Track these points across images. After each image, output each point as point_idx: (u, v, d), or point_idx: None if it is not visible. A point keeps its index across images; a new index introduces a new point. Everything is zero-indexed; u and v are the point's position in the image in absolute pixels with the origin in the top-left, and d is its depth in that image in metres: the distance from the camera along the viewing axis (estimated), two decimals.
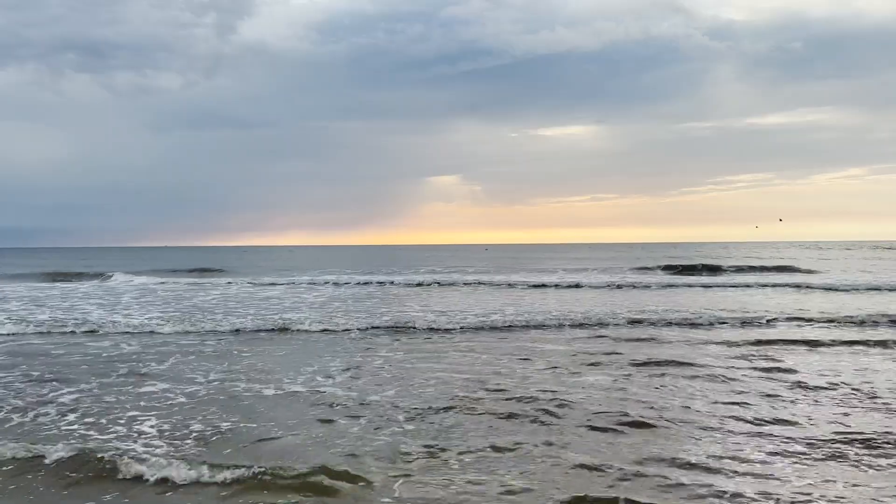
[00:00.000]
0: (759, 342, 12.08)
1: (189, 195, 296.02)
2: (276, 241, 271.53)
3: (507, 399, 7.86)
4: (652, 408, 7.34)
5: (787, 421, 6.85)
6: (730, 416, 6.98)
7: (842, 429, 6.55)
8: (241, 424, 6.93)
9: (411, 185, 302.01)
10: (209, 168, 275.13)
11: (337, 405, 7.68)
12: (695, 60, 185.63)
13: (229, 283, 30.59)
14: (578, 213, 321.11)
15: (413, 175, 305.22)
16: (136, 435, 6.58)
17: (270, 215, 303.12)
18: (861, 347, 11.61)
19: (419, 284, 28.87)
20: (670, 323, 14.99)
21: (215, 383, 8.94)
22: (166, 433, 6.63)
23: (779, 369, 9.54)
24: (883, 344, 11.90)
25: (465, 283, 28.96)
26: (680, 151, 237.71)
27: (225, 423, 6.98)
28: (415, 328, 14.49)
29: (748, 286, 26.30)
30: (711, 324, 14.84)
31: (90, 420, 7.14)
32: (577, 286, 27.08)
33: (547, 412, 7.20)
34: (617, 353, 11.02)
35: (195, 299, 22.08)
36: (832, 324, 14.75)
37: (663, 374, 9.16)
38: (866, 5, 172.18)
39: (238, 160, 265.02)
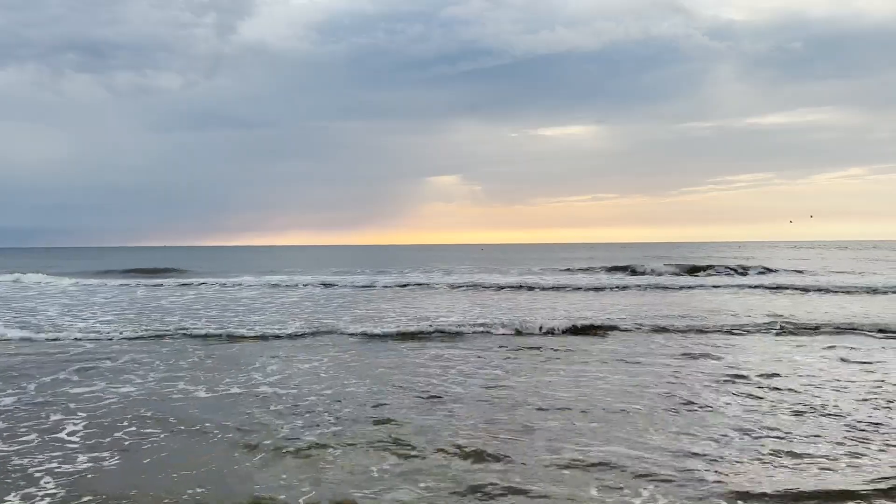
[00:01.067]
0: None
1: (189, 195, 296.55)
2: (277, 241, 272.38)
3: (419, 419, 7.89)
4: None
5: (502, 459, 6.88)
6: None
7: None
8: (163, 434, 6.96)
9: (411, 185, 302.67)
10: (209, 168, 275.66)
11: (251, 425, 7.71)
12: (694, 60, 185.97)
13: (180, 284, 30.33)
14: (578, 213, 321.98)
15: (413, 175, 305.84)
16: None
17: (270, 215, 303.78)
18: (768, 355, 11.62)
19: (368, 286, 28.82)
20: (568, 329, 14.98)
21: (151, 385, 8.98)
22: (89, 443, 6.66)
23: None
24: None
25: (435, 285, 29.00)
26: (680, 151, 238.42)
27: (149, 430, 7.05)
28: (343, 332, 14.45)
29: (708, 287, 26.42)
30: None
31: None
32: (557, 288, 27.11)
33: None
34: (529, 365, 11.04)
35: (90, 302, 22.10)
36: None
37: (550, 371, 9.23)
38: (866, 5, 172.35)
39: (238, 160, 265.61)
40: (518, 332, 14.32)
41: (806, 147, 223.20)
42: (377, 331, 14.49)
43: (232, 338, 14.04)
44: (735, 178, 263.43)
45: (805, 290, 24.94)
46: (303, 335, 14.27)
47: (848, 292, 23.87)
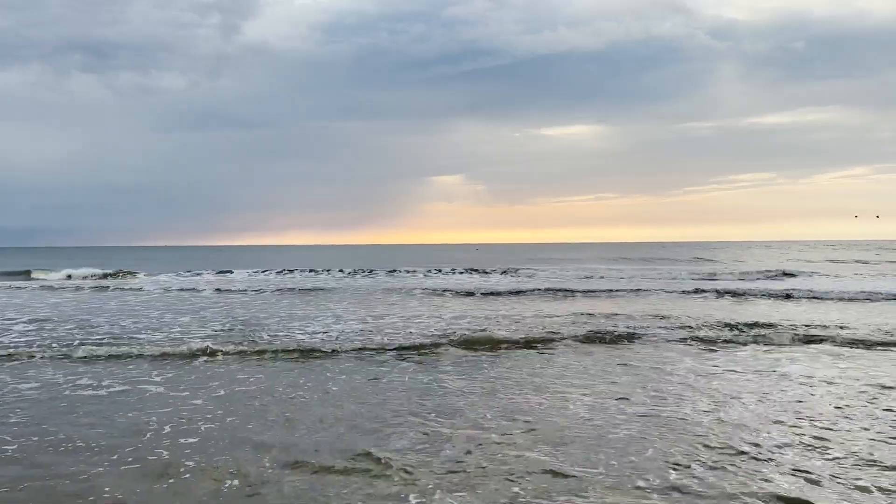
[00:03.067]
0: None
1: (189, 195, 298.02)
2: (277, 241, 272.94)
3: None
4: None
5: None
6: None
7: None
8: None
9: (412, 185, 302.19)
10: (209, 168, 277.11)
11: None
12: (695, 60, 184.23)
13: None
14: (580, 212, 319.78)
15: (413, 175, 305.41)
16: None
17: (270, 215, 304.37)
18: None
19: (286, 289, 28.62)
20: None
21: None
22: None
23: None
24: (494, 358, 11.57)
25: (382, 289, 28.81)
26: (681, 151, 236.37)
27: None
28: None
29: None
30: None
31: None
32: (521, 293, 26.74)
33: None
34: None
35: None
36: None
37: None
38: (867, 5, 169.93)
39: (238, 160, 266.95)
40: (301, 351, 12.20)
41: (807, 147, 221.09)
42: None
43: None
44: (737, 178, 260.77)
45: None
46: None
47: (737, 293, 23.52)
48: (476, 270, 39.93)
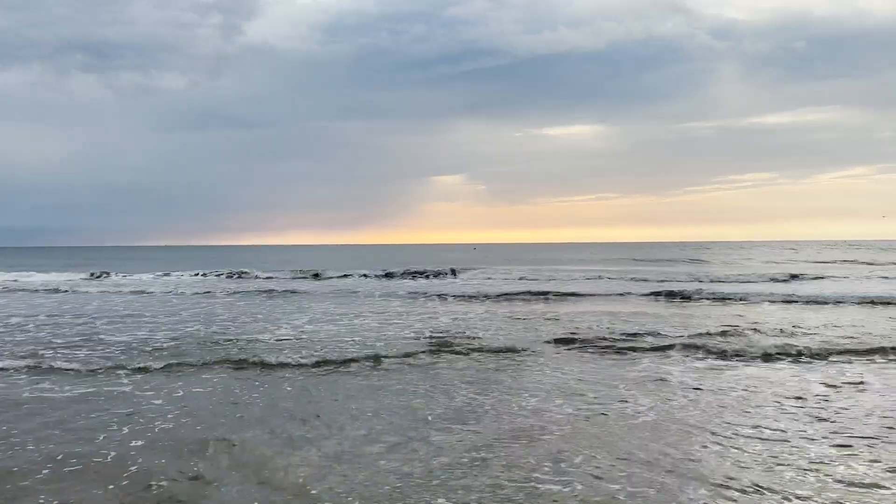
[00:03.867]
0: None
1: (189, 195, 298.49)
2: (277, 241, 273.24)
3: None
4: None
5: None
6: None
7: None
8: None
9: (412, 185, 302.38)
10: (209, 168, 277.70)
11: None
12: (696, 60, 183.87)
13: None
14: (580, 212, 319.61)
15: (414, 175, 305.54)
16: None
17: (270, 215, 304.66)
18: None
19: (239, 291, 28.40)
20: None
21: None
22: None
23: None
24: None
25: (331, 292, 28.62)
26: (681, 151, 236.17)
27: None
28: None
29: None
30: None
31: None
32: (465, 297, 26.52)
33: None
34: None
35: None
36: None
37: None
38: (867, 5, 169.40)
39: (238, 160, 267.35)
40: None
41: (808, 147, 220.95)
42: None
43: None
44: (738, 178, 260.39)
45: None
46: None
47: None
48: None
